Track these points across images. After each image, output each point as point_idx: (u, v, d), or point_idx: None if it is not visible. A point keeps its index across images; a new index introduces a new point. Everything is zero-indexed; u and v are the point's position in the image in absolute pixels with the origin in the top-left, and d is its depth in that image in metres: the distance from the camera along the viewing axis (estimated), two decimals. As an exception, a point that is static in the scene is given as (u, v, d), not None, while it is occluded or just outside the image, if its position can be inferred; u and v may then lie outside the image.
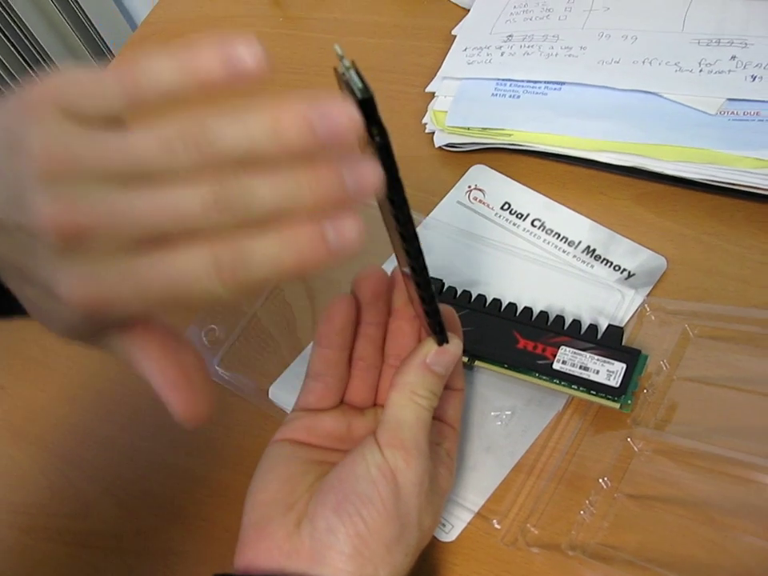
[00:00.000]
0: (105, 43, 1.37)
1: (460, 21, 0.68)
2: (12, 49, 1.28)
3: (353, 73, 0.29)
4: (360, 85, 0.29)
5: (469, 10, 0.68)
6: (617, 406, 0.45)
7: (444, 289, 0.52)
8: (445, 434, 0.43)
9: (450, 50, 0.64)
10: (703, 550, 0.41)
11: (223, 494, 0.51)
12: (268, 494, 0.39)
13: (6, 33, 1.27)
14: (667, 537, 0.42)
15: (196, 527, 0.50)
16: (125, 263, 0.26)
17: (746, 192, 0.51)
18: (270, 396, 0.52)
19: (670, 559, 0.41)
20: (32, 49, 1.30)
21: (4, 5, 1.24)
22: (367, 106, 0.29)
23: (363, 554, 0.36)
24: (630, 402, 0.45)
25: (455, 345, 0.40)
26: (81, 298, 0.26)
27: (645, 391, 0.46)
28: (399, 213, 0.32)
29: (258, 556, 0.37)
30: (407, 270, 0.36)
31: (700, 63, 0.56)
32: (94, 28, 1.34)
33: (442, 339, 0.39)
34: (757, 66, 0.54)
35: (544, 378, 0.47)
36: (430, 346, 0.39)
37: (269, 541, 0.37)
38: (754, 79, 0.53)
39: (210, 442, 0.53)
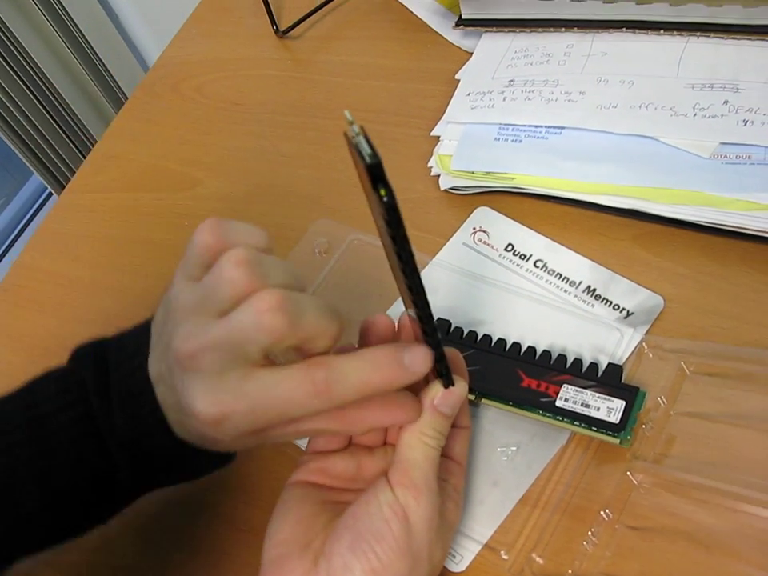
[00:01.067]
0: (117, 85, 1.40)
1: (463, 64, 0.70)
2: (25, 89, 1.31)
3: (362, 139, 0.32)
4: (369, 151, 0.32)
5: (471, 53, 0.71)
6: (617, 441, 0.47)
7: (451, 329, 0.54)
8: (452, 471, 0.45)
9: (454, 95, 0.67)
10: (698, 578, 0.43)
11: (242, 528, 0.53)
12: (285, 534, 0.42)
13: (20, 73, 1.30)
14: (666, 566, 0.44)
15: (216, 560, 0.52)
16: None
17: (739, 233, 0.53)
18: (285, 432, 0.55)
19: (667, 589, 0.43)
20: (45, 89, 1.33)
21: (16, 45, 1.27)
22: (375, 169, 0.31)
23: None
24: (629, 437, 0.47)
25: (461, 387, 0.42)
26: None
27: (643, 426, 0.48)
28: (406, 267, 0.35)
29: None
30: (413, 315, 0.39)
31: (694, 108, 0.58)
32: (107, 70, 1.37)
33: (447, 382, 0.42)
34: (748, 110, 0.57)
35: (547, 414, 0.49)
36: (437, 389, 0.42)
37: None
38: (745, 123, 0.56)
39: (228, 478, 0.55)
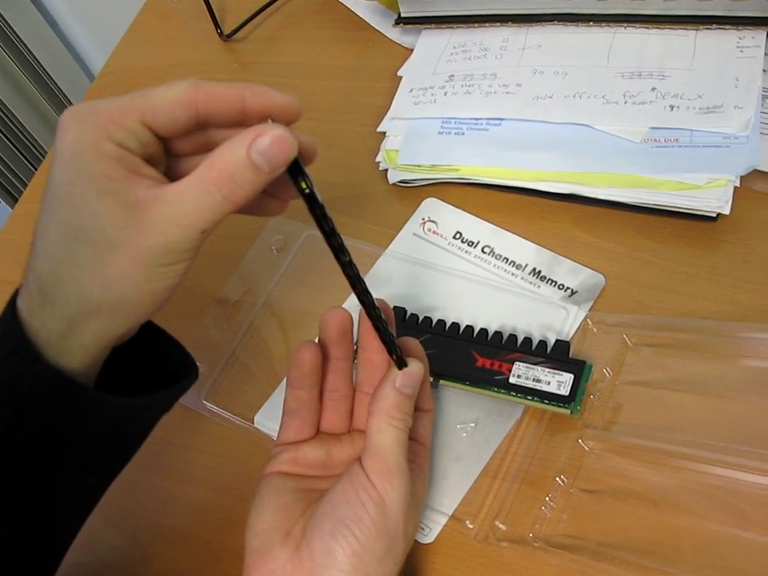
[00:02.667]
0: (64, 95, 1.40)
1: (404, 61, 0.73)
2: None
3: None
4: None
5: (412, 50, 0.73)
6: (567, 412, 0.50)
7: (407, 316, 0.57)
8: (418, 452, 0.48)
9: (397, 91, 0.70)
10: (651, 533, 0.46)
11: (221, 516, 0.55)
12: (265, 523, 0.44)
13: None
14: (619, 524, 0.47)
15: (198, 549, 0.54)
16: None
17: (671, 211, 0.57)
18: (255, 424, 0.57)
19: (623, 543, 0.46)
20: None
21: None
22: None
23: (360, 569, 0.40)
24: (579, 407, 0.50)
25: (415, 366, 0.45)
26: None
27: (592, 397, 0.51)
28: (337, 256, 0.39)
29: None
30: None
31: (624, 95, 0.62)
32: (52, 80, 1.37)
33: (400, 363, 0.44)
34: (674, 96, 0.60)
35: (502, 391, 0.52)
36: (396, 372, 0.44)
37: (272, 564, 0.42)
38: (672, 108, 0.60)
39: (204, 471, 0.57)
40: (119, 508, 0.57)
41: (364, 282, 0.41)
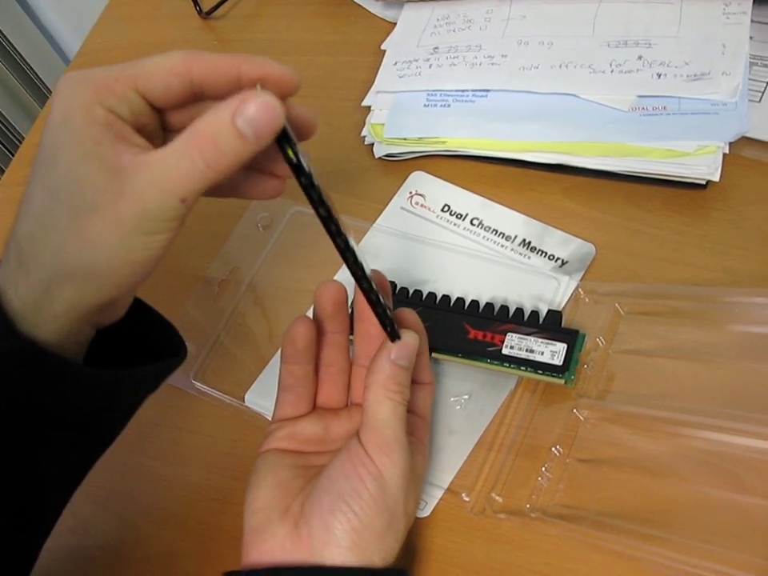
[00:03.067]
0: (39, 78, 1.38)
1: (387, 34, 0.72)
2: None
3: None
4: None
5: (395, 24, 0.73)
6: (562, 381, 0.50)
7: (397, 290, 0.56)
8: (417, 425, 0.47)
9: (382, 65, 0.69)
10: (648, 500, 0.46)
11: (213, 496, 0.54)
12: (263, 501, 0.43)
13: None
14: (616, 492, 0.47)
15: (191, 530, 0.54)
16: None
17: (660, 179, 0.57)
18: (246, 403, 0.56)
19: (620, 511, 0.46)
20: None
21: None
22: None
23: (359, 545, 0.40)
24: (573, 377, 0.50)
25: (409, 337, 0.44)
26: None
27: (585, 366, 0.51)
28: (328, 227, 0.38)
29: (263, 556, 0.41)
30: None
31: (611, 64, 0.61)
32: (27, 64, 1.35)
33: (393, 336, 0.44)
34: (661, 64, 0.60)
35: (495, 363, 0.51)
36: (391, 345, 0.43)
37: (271, 542, 0.41)
38: (659, 76, 0.59)
39: (195, 451, 0.56)
40: (111, 491, 0.56)
41: (355, 253, 0.40)
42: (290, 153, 0.36)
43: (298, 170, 0.36)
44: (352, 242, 0.39)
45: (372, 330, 0.46)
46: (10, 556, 0.43)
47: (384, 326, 0.43)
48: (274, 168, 0.41)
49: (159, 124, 0.39)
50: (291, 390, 0.48)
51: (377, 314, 0.43)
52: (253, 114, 0.33)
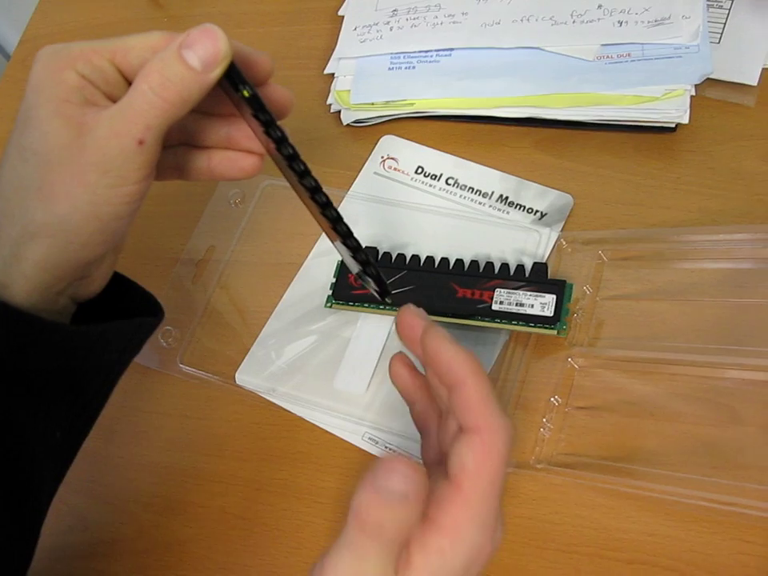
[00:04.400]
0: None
1: (344, 0, 0.71)
2: None
3: None
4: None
5: (349, -11, 0.72)
6: (554, 332, 0.50)
7: (380, 256, 0.56)
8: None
9: (341, 31, 0.68)
10: (648, 440, 0.47)
11: (213, 479, 0.54)
12: None
13: None
14: (617, 435, 0.48)
15: (193, 514, 0.54)
16: None
17: (630, 126, 0.57)
18: (237, 382, 0.56)
19: (623, 454, 0.47)
20: None
21: None
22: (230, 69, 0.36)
23: None
24: (564, 327, 0.50)
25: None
26: None
27: (575, 315, 0.52)
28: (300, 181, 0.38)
29: None
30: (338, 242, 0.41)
31: (572, 15, 0.61)
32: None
33: (383, 292, 0.42)
34: (621, 11, 0.60)
35: (486, 319, 0.52)
36: None
37: None
38: (620, 24, 0.59)
39: (188, 435, 0.56)
40: (107, 485, 0.56)
41: (326, 197, 0.39)
42: (246, 92, 0.36)
43: (255, 103, 0.36)
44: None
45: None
46: (4, 536, 0.42)
47: (369, 275, 0.42)
48: (248, 144, 0.42)
49: None
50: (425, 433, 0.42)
51: (358, 261, 0.41)
52: (195, 39, 0.35)
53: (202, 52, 0.35)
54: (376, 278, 0.42)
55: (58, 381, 0.41)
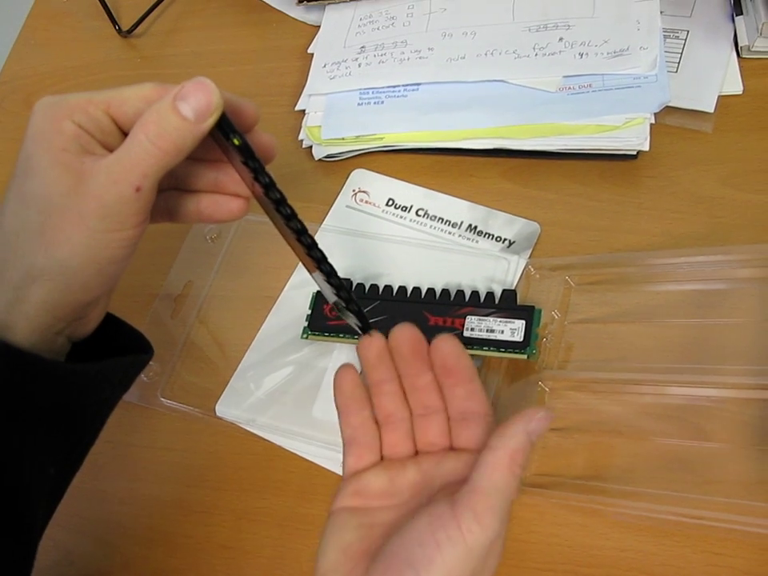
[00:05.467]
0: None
1: (312, 38, 0.73)
2: None
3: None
4: None
5: (318, 27, 0.74)
6: (524, 356, 0.52)
7: (353, 286, 0.57)
8: None
9: (311, 68, 0.70)
10: (619, 459, 0.48)
11: (197, 509, 0.55)
12: (329, 564, 0.41)
13: None
14: (588, 455, 0.49)
15: (178, 545, 0.54)
16: None
17: (594, 154, 0.59)
18: (218, 413, 0.57)
19: (593, 472, 0.48)
20: None
21: None
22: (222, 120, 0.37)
23: None
24: (534, 351, 0.52)
25: (546, 413, 0.41)
26: None
27: (544, 339, 0.53)
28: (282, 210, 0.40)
29: None
30: (317, 273, 0.43)
31: (534, 48, 0.63)
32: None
33: (364, 328, 0.45)
34: (582, 44, 0.62)
35: (458, 346, 0.53)
36: (532, 414, 0.40)
37: None
38: (581, 56, 0.62)
39: (173, 467, 0.57)
40: (91, 519, 0.56)
41: (312, 238, 0.41)
42: (236, 141, 0.38)
43: (245, 151, 0.38)
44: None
45: (418, 383, 0.45)
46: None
47: (360, 320, 0.44)
48: (235, 188, 0.44)
49: None
50: (353, 443, 0.46)
51: (342, 299, 0.44)
52: (188, 91, 0.37)
53: (196, 104, 0.37)
54: (358, 314, 0.44)
55: (54, 417, 0.42)
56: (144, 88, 0.39)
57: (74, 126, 0.38)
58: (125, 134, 0.39)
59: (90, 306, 0.43)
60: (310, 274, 0.45)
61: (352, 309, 0.44)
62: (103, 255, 0.39)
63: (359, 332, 0.45)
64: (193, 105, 0.37)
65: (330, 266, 0.42)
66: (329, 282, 0.43)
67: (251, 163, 0.38)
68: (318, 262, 0.42)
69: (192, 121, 0.37)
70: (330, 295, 0.44)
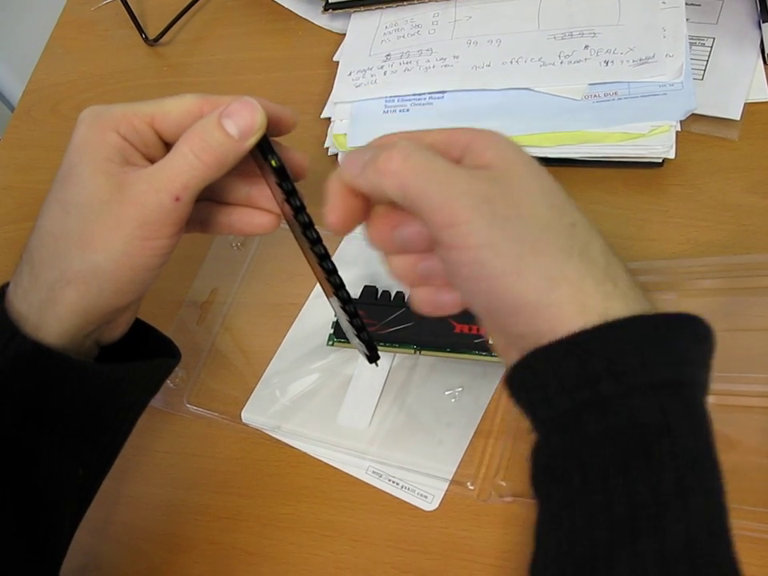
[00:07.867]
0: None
1: (338, 46, 0.73)
2: None
3: None
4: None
5: (344, 35, 0.74)
6: (550, 364, 0.52)
7: (379, 294, 0.58)
8: None
9: (337, 76, 0.70)
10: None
11: (222, 515, 0.55)
12: None
13: None
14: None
15: (204, 551, 0.55)
16: None
17: (619, 162, 0.59)
18: (243, 420, 0.57)
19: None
20: None
21: None
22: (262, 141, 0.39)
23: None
24: (560, 359, 0.52)
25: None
26: None
27: (570, 348, 0.53)
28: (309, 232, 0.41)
29: None
30: (334, 299, 0.43)
31: (559, 56, 0.63)
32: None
33: (372, 357, 0.46)
34: (607, 51, 0.62)
35: (483, 353, 0.53)
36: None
37: None
38: (607, 64, 0.62)
39: (198, 473, 0.57)
40: (118, 524, 0.57)
41: (334, 264, 0.42)
42: (273, 162, 0.39)
43: (280, 173, 0.38)
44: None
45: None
46: (25, 568, 0.44)
47: (367, 345, 0.45)
48: (267, 203, 0.45)
49: None
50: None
51: (354, 326, 0.44)
52: (234, 110, 0.39)
53: (241, 122, 0.38)
54: (368, 343, 0.45)
55: (82, 419, 0.44)
56: (185, 101, 0.41)
57: (119, 138, 0.40)
58: (167, 146, 0.40)
59: (121, 310, 0.44)
60: (327, 298, 0.45)
61: (363, 338, 0.44)
62: (138, 262, 0.40)
63: (366, 360, 0.47)
64: (238, 123, 0.38)
65: (347, 293, 0.43)
66: (344, 309, 0.43)
67: (285, 185, 0.39)
68: (336, 288, 0.42)
69: (236, 138, 0.38)
70: (344, 321, 0.45)
